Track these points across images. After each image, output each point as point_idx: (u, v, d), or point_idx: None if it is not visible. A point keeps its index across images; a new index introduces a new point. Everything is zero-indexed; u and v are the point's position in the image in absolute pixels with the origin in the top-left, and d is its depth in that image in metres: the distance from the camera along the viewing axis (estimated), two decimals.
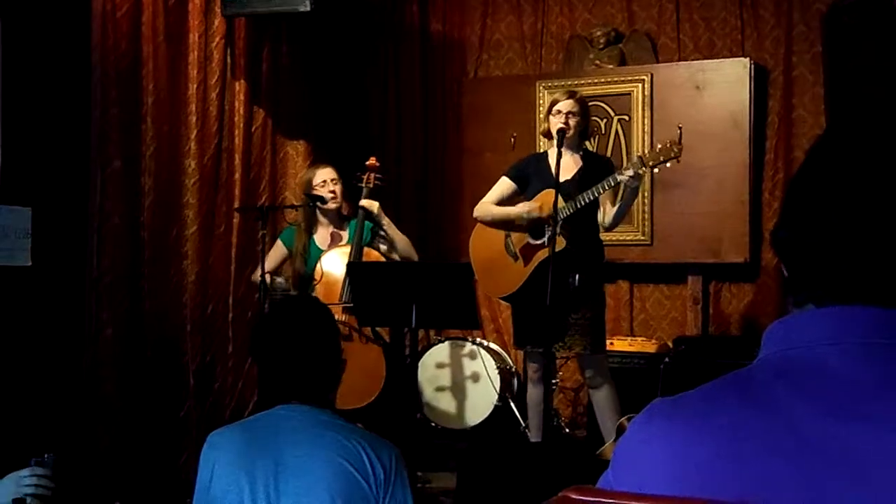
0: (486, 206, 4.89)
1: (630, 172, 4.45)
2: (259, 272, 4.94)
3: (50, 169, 4.65)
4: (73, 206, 4.81)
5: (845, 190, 1.03)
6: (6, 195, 4.48)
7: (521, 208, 4.72)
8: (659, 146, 4.57)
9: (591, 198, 4.50)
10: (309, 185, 5.01)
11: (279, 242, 5.13)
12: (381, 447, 2.19)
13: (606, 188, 4.52)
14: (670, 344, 5.70)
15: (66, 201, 4.76)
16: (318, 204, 4.95)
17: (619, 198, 4.71)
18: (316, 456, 2.12)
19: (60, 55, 4.71)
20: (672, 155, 4.48)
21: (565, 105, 4.65)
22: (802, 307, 1.07)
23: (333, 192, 4.96)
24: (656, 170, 4.57)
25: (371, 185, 4.99)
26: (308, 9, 5.22)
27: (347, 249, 4.90)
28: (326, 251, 4.97)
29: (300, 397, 2.26)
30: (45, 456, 2.33)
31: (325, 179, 4.97)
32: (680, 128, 5.74)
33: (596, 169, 4.69)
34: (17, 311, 4.48)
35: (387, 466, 2.15)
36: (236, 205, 5.58)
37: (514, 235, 4.80)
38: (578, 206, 4.51)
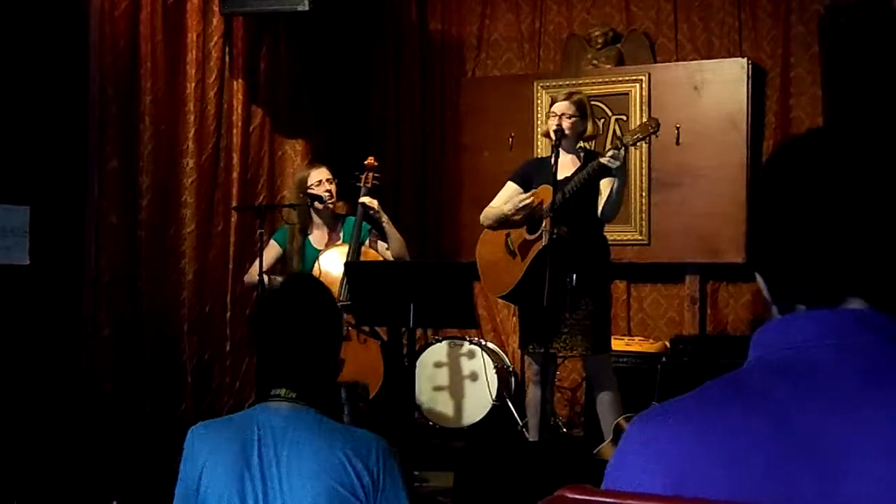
0: (487, 210, 4.89)
1: (610, 153, 4.45)
2: (252, 272, 4.95)
3: (48, 168, 4.66)
4: (71, 204, 4.82)
5: (830, 196, 1.06)
6: (4, 194, 4.48)
7: (510, 202, 4.71)
8: (637, 125, 4.59)
9: (579, 184, 4.49)
10: (303, 185, 5.00)
11: (273, 242, 5.12)
12: (366, 450, 2.12)
13: (591, 173, 4.49)
14: (668, 343, 5.70)
15: (63, 200, 4.77)
16: (316, 203, 4.96)
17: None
18: (302, 473, 2.08)
19: (58, 53, 4.72)
20: (650, 131, 4.49)
21: (559, 107, 4.65)
22: (792, 311, 1.10)
23: (329, 191, 4.96)
24: (635, 146, 4.58)
25: (369, 185, 5.00)
26: (306, 8, 5.22)
27: (345, 248, 4.90)
28: (324, 251, 4.98)
29: (291, 382, 2.19)
30: None
31: (320, 179, 4.97)
32: (678, 128, 5.77)
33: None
34: (15, 310, 4.48)
35: (373, 470, 2.10)
36: (234, 204, 5.58)
37: (514, 234, 4.80)
38: (567, 195, 4.49)
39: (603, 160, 4.43)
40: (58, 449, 4.52)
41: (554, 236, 4.40)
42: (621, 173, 4.51)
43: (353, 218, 5.00)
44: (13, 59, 4.50)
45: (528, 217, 4.69)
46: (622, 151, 4.47)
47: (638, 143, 4.57)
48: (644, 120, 4.58)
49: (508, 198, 4.86)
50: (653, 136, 4.53)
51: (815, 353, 1.04)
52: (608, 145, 5.92)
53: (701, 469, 1.02)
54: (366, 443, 2.14)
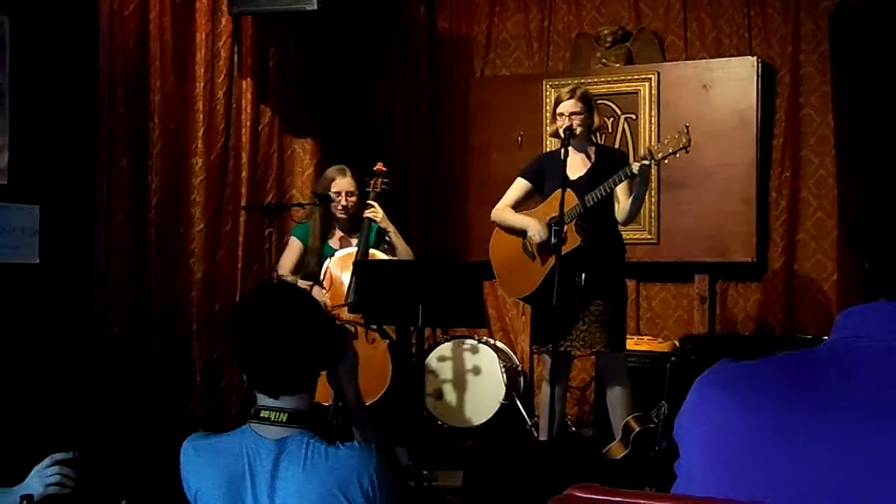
0: (502, 212, 4.88)
1: (638, 166, 4.46)
2: (278, 272, 4.98)
3: (58, 167, 4.67)
4: (81, 203, 4.83)
5: None
6: (14, 193, 4.50)
7: (533, 228, 4.69)
8: (667, 137, 4.57)
9: (601, 195, 4.51)
10: (325, 186, 5.05)
11: (294, 240, 5.14)
12: (357, 476, 2.08)
13: (617, 183, 4.53)
14: (677, 343, 5.69)
15: (73, 199, 4.78)
16: (332, 206, 5.00)
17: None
18: None
19: (68, 53, 4.73)
20: (681, 145, 4.47)
21: (566, 106, 4.64)
22: (876, 298, 1.15)
23: (345, 206, 4.99)
24: (666, 161, 4.57)
25: (378, 190, 5.05)
26: (315, 7, 5.23)
27: (353, 251, 4.92)
28: (338, 251, 5.01)
29: (271, 392, 2.16)
30: (71, 454, 2.35)
31: (339, 191, 5.00)
32: (687, 127, 5.75)
33: (608, 162, 4.69)
34: (25, 308, 4.50)
35: (367, 490, 2.07)
36: (243, 203, 5.59)
37: None
38: (588, 204, 4.52)
39: (634, 168, 4.47)
40: (67, 447, 4.52)
41: (573, 234, 4.43)
42: (645, 181, 4.55)
43: (373, 224, 5.03)
44: (23, 58, 4.52)
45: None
46: (652, 164, 4.49)
47: (668, 158, 4.55)
48: (676, 132, 4.55)
49: (518, 195, 4.88)
50: (683, 151, 4.51)
51: (884, 347, 1.08)
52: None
53: (729, 437, 1.10)
54: (355, 469, 2.09)
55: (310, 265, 5.02)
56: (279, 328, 2.15)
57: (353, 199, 5.03)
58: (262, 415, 2.16)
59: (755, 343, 5.23)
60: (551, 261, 4.65)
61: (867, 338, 1.09)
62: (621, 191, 4.64)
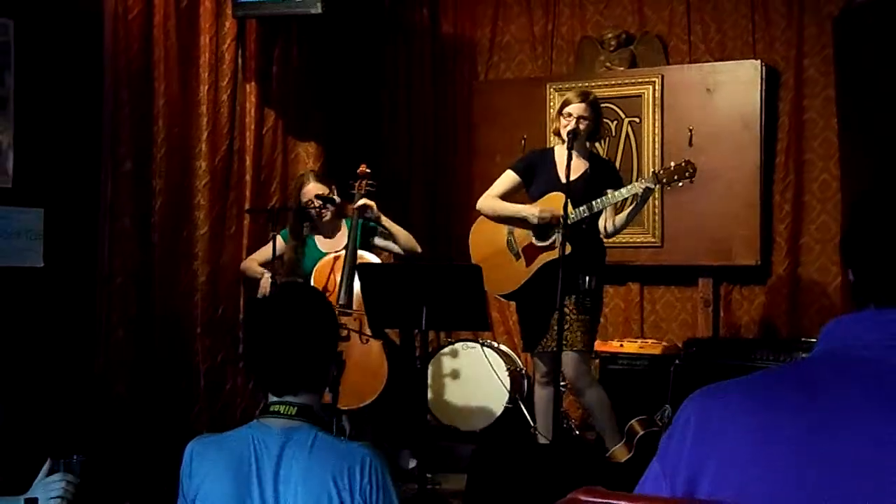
0: (491, 201, 4.89)
1: (642, 187, 4.52)
2: (251, 264, 5.02)
3: (62, 170, 4.68)
4: (85, 207, 4.84)
5: None
6: (19, 196, 4.51)
7: (532, 209, 4.71)
8: (674, 165, 4.61)
9: (606, 205, 4.59)
10: (298, 200, 5.04)
11: (279, 238, 5.14)
12: (357, 471, 2.10)
13: (621, 197, 4.60)
14: (681, 346, 5.68)
15: (77, 202, 4.79)
16: (307, 213, 5.01)
17: (624, 205, 4.86)
18: (297, 502, 2.09)
19: (73, 57, 4.74)
20: (686, 175, 4.57)
21: (576, 109, 4.65)
22: (863, 308, 1.17)
23: (321, 212, 4.98)
24: (669, 188, 4.64)
25: (363, 192, 5.01)
26: (319, 11, 5.24)
27: (342, 254, 4.90)
28: (329, 253, 4.99)
29: (292, 392, 2.19)
30: (74, 458, 2.35)
31: (310, 198, 4.98)
32: (691, 130, 5.76)
33: (602, 172, 4.76)
34: (29, 312, 4.50)
35: (365, 489, 2.09)
36: (247, 206, 5.59)
37: (518, 233, 4.80)
38: (592, 211, 4.55)
39: (635, 190, 4.57)
40: (71, 450, 4.53)
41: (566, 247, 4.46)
42: (643, 202, 4.63)
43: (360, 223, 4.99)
44: (28, 62, 4.53)
45: (541, 222, 4.70)
46: (655, 188, 4.55)
47: (672, 185, 4.62)
48: (683, 161, 4.65)
49: (506, 188, 4.89)
50: (688, 182, 4.62)
51: (877, 354, 1.09)
52: (621, 152, 5.95)
53: (734, 450, 1.10)
54: (359, 461, 2.12)
55: (290, 268, 5.00)
56: (294, 324, 2.21)
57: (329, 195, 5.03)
58: (272, 409, 2.20)
59: (759, 346, 5.21)
60: (537, 262, 4.70)
61: (857, 346, 1.09)
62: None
